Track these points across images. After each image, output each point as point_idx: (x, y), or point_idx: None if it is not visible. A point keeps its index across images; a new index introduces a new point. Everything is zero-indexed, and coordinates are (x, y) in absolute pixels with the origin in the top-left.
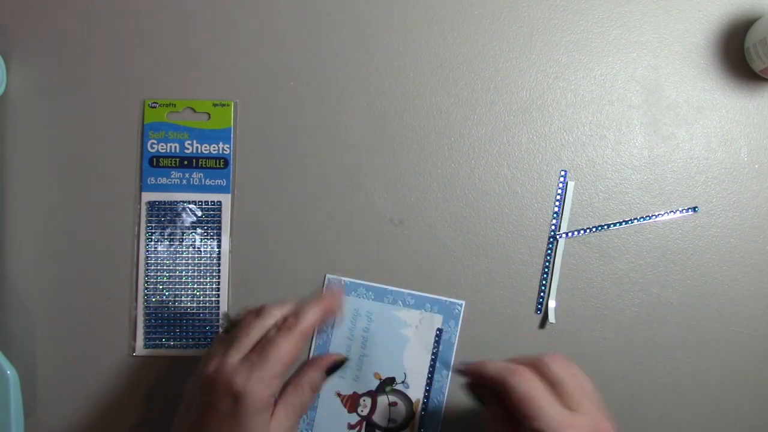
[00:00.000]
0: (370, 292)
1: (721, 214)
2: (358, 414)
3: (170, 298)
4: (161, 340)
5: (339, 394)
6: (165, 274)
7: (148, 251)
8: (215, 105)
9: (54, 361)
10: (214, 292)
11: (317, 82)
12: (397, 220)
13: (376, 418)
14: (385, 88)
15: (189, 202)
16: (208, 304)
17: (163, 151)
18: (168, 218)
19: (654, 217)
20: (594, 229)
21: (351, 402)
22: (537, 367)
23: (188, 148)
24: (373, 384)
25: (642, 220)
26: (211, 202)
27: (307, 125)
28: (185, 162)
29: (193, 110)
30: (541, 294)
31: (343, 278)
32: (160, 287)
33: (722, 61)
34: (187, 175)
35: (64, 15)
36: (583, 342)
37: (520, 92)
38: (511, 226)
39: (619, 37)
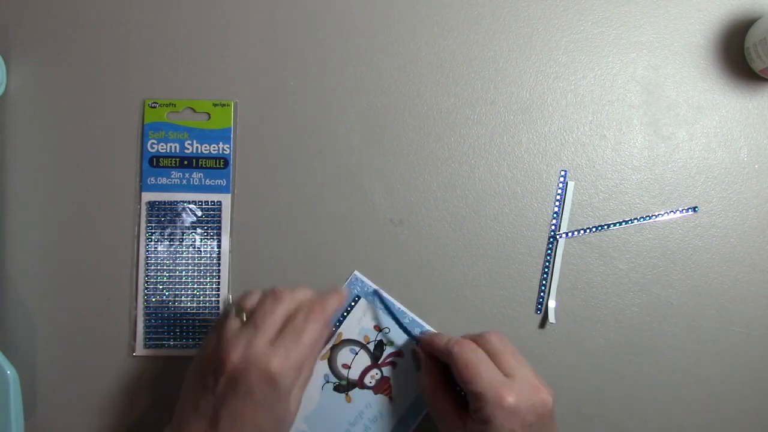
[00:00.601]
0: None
1: (721, 214)
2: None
3: (170, 298)
4: (161, 340)
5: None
6: (165, 274)
7: (148, 251)
8: (215, 105)
9: (54, 361)
10: (214, 292)
11: (317, 82)
12: (397, 220)
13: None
14: (385, 88)
15: (189, 202)
16: (208, 304)
17: (163, 151)
18: (168, 218)
19: (654, 217)
20: (594, 229)
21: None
22: (478, 341)
23: (188, 148)
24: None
25: (642, 220)
26: (211, 202)
27: (307, 125)
28: (185, 162)
29: (193, 110)
30: (541, 294)
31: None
32: (160, 287)
33: (722, 61)
34: (187, 175)
35: (64, 15)
36: (583, 342)
37: (520, 92)
38: (511, 226)
39: (619, 37)
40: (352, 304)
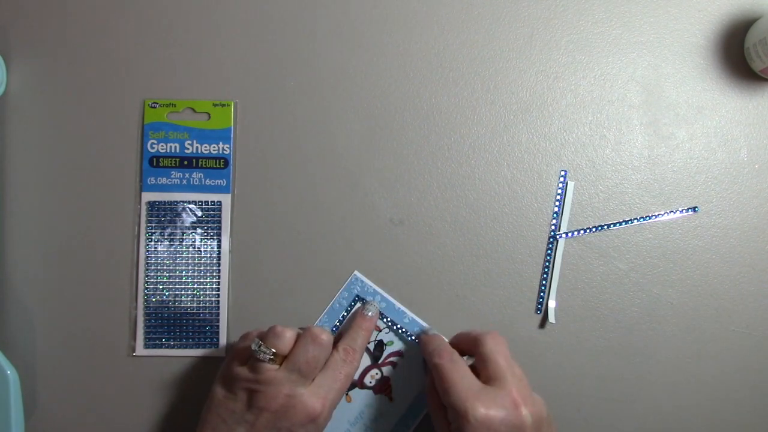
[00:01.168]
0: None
1: (721, 214)
2: (368, 386)
3: (170, 298)
4: (161, 340)
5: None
6: (165, 274)
7: (148, 251)
8: (215, 105)
9: (54, 361)
10: (214, 292)
11: (317, 82)
12: (397, 220)
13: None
14: (385, 87)
15: (189, 202)
16: (208, 304)
17: (163, 151)
18: (168, 218)
19: (654, 217)
20: (594, 229)
21: (360, 379)
22: (474, 343)
23: (188, 148)
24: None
25: (642, 220)
26: (211, 202)
27: (307, 125)
28: (185, 162)
29: (193, 110)
30: (541, 294)
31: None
32: (160, 287)
33: (722, 61)
34: (187, 175)
35: (64, 15)
36: (583, 342)
37: (520, 92)
38: (511, 226)
39: (619, 37)
40: (352, 303)
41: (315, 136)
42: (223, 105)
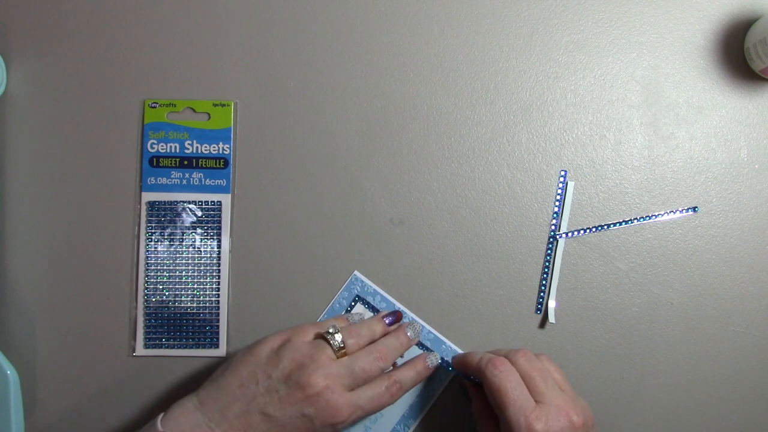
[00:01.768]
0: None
1: (721, 214)
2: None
3: (170, 298)
4: (161, 340)
5: None
6: (165, 274)
7: (148, 251)
8: (215, 105)
9: (54, 361)
10: (214, 292)
11: (317, 82)
12: (397, 220)
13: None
14: (385, 87)
15: (189, 202)
16: (208, 304)
17: (163, 151)
18: (168, 218)
19: (654, 217)
20: (594, 229)
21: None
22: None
23: (188, 148)
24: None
25: (642, 220)
26: (211, 202)
27: (307, 125)
28: (185, 162)
29: (193, 110)
30: (541, 294)
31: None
32: (160, 287)
33: (722, 61)
34: (187, 175)
35: (64, 15)
36: (583, 342)
37: (520, 92)
38: (511, 226)
39: (619, 37)
40: (352, 304)
41: (315, 136)
42: (223, 105)
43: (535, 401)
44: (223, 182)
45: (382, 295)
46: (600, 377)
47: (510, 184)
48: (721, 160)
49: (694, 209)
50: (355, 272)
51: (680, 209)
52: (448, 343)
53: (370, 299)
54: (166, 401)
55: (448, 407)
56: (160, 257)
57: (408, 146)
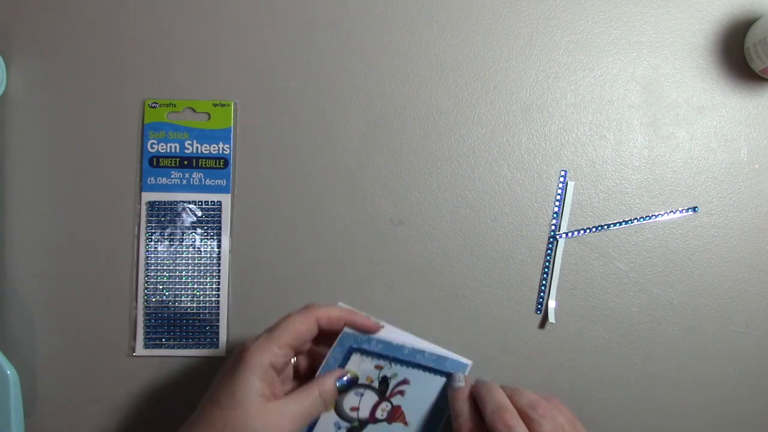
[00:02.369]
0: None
1: (721, 214)
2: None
3: (170, 298)
4: (161, 340)
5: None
6: (165, 274)
7: (148, 251)
8: (215, 105)
9: (54, 361)
10: (214, 292)
11: (317, 82)
12: (397, 220)
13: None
14: (385, 87)
15: (189, 202)
16: (208, 304)
17: (163, 151)
18: (168, 218)
19: (654, 217)
20: (594, 229)
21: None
22: (528, 419)
23: (188, 148)
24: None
25: (642, 220)
26: (211, 202)
27: (307, 125)
28: (185, 162)
29: (193, 110)
30: (541, 294)
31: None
32: (160, 287)
33: (722, 61)
34: (187, 175)
35: (64, 15)
36: (583, 342)
37: (520, 92)
38: (511, 226)
39: (619, 37)
40: (347, 356)
41: (315, 136)
42: (223, 105)
43: None
44: (223, 182)
45: (377, 339)
46: (600, 377)
47: (510, 184)
48: (721, 160)
49: (694, 209)
50: (345, 328)
51: (680, 209)
52: (453, 357)
53: (365, 347)
54: (166, 401)
55: None
56: (160, 257)
57: (408, 146)
